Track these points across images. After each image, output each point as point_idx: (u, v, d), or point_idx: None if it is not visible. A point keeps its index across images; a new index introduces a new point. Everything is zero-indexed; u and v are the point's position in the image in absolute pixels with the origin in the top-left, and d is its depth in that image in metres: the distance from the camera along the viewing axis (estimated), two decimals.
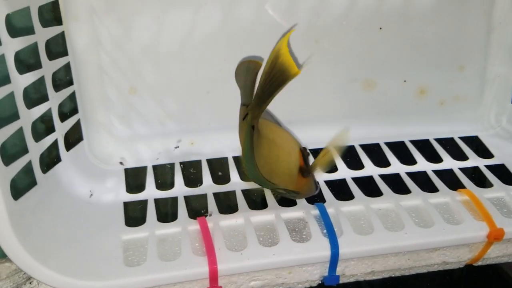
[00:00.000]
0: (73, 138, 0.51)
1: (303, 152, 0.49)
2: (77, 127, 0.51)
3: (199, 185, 0.52)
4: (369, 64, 0.56)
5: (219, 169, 0.55)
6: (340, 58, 0.55)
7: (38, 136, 0.44)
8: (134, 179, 0.53)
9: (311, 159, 0.52)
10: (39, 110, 0.45)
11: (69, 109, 0.50)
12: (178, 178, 0.52)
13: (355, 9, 0.53)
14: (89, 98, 0.52)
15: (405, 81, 0.57)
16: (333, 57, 0.55)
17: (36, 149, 0.43)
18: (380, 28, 0.54)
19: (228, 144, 0.55)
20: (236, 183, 0.52)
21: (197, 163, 0.55)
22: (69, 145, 0.49)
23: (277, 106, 0.55)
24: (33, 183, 0.42)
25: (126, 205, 0.49)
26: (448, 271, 0.50)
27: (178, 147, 0.54)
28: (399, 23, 0.55)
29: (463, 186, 0.51)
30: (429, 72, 0.57)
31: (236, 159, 0.55)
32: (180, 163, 0.54)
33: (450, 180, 0.52)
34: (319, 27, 0.54)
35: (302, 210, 0.48)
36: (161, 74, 0.52)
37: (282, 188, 0.47)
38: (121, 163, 0.53)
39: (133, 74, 0.52)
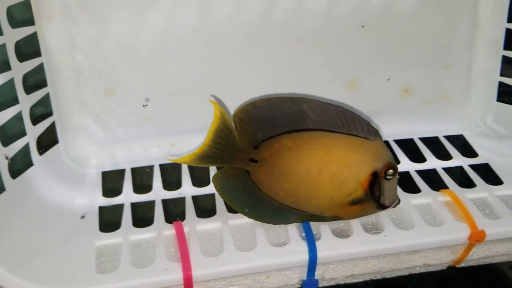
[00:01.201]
0: (48, 141, 0.50)
1: (376, 177, 0.42)
2: (51, 130, 0.50)
3: (178, 188, 0.51)
4: (352, 63, 0.55)
5: (199, 171, 0.54)
6: (322, 58, 0.54)
7: (7, 140, 0.43)
8: (111, 182, 0.52)
9: (388, 184, 0.43)
10: (9, 113, 0.43)
11: (42, 111, 0.49)
12: (157, 181, 0.51)
13: (336, 7, 0.52)
14: (64, 100, 0.50)
15: (388, 80, 0.56)
16: (314, 56, 0.54)
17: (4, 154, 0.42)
18: (363, 27, 0.53)
19: None
20: None
21: (177, 165, 0.54)
22: (43, 148, 0.48)
23: None
24: (1, 189, 0.41)
25: (102, 209, 0.48)
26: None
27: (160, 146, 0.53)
28: (382, 21, 0.53)
29: (446, 187, 0.50)
30: (413, 70, 0.56)
31: None
32: (160, 165, 0.53)
33: (433, 180, 0.51)
34: (299, 26, 0.52)
35: None
36: (139, 75, 0.51)
37: (312, 215, 0.44)
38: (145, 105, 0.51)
39: (110, 75, 0.51)
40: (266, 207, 0.44)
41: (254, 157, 0.43)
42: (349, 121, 0.43)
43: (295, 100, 0.44)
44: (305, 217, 0.44)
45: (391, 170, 0.42)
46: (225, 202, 0.48)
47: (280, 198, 0.44)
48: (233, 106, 0.54)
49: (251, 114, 0.44)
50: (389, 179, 0.43)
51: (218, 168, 0.46)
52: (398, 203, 0.45)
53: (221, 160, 0.43)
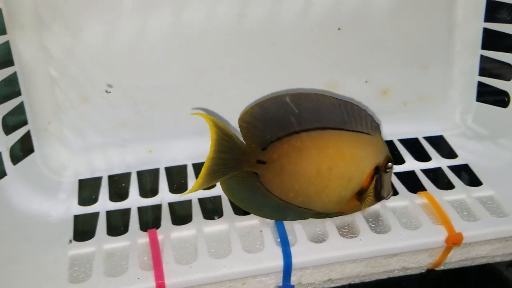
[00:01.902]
0: (23, 150, 0.49)
1: (378, 171, 0.43)
2: (27, 139, 0.50)
3: (155, 195, 0.50)
4: (329, 65, 0.54)
5: (177, 177, 0.53)
6: (299, 60, 0.54)
7: None
8: (87, 190, 0.52)
9: (386, 177, 0.44)
10: None
11: (17, 121, 0.49)
12: (133, 189, 0.51)
13: (312, 9, 0.52)
14: (39, 108, 0.50)
15: (366, 82, 0.55)
16: (292, 59, 0.53)
17: None
18: (339, 29, 0.53)
19: (187, 151, 0.54)
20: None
21: (155, 172, 0.53)
22: (17, 158, 0.48)
23: (234, 111, 0.54)
24: None
25: (77, 218, 0.48)
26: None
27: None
28: (358, 23, 0.53)
29: (424, 189, 0.50)
30: (392, 72, 0.55)
31: (195, 166, 0.54)
32: (137, 172, 0.53)
33: (412, 182, 0.51)
34: (275, 28, 0.52)
35: (258, 218, 0.47)
36: (114, 81, 0.51)
37: (318, 213, 0.44)
38: None
39: (85, 82, 0.51)
40: (274, 207, 0.44)
41: (262, 159, 0.43)
42: (356, 117, 0.43)
43: (305, 96, 0.43)
44: (312, 215, 0.45)
45: (390, 163, 0.44)
46: (202, 209, 0.48)
47: (290, 199, 0.43)
48: (211, 110, 0.54)
49: (258, 116, 0.43)
50: (388, 171, 0.44)
51: None
52: (392, 194, 0.46)
53: (229, 168, 0.42)
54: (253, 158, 0.43)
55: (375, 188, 0.44)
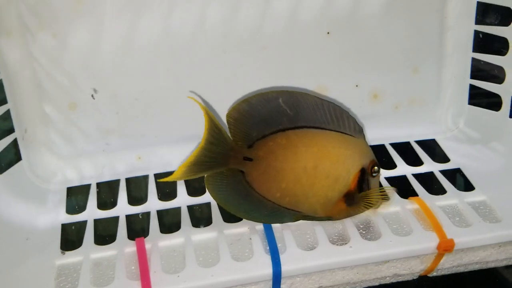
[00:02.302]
0: (9, 158, 0.49)
1: (364, 173, 0.43)
2: (13, 147, 0.49)
3: (144, 203, 0.50)
4: (319, 69, 0.54)
5: (166, 184, 0.53)
6: (289, 65, 0.53)
7: None
8: (76, 198, 0.51)
9: (373, 181, 0.44)
10: None
11: (3, 128, 0.49)
12: (122, 196, 0.50)
13: (302, 13, 0.51)
14: (27, 116, 0.50)
15: (357, 85, 0.55)
16: (281, 63, 0.53)
17: None
18: (328, 33, 0.52)
19: (176, 157, 0.54)
20: (182, 198, 0.50)
21: (144, 179, 0.53)
22: (4, 166, 0.48)
23: (224, 116, 0.53)
24: None
25: (64, 227, 0.47)
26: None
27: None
28: (347, 26, 0.53)
29: (415, 194, 0.49)
30: (382, 75, 0.55)
31: None
32: (126, 179, 0.53)
33: (403, 187, 0.50)
34: (264, 33, 0.52)
35: (247, 226, 0.46)
36: (102, 87, 0.51)
37: (305, 215, 0.44)
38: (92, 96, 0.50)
39: (72, 89, 0.50)
40: (261, 209, 0.43)
41: (249, 156, 0.43)
42: (339, 118, 0.44)
43: (291, 94, 0.43)
44: (299, 217, 0.44)
45: (376, 167, 0.44)
46: (189, 217, 0.47)
47: (276, 199, 0.43)
48: (199, 115, 0.52)
49: (245, 112, 0.43)
50: (374, 176, 0.44)
51: None
52: (381, 203, 0.45)
53: (215, 163, 0.42)
54: (240, 154, 0.43)
55: (362, 192, 0.43)
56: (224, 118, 0.53)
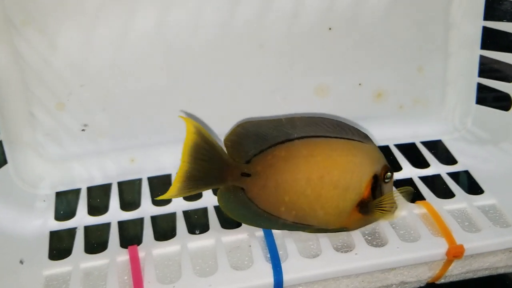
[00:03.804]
0: None
1: (377, 180, 0.41)
2: None
3: (137, 208, 0.47)
4: (321, 68, 0.52)
5: (160, 188, 0.50)
6: (288, 63, 0.51)
7: None
8: (65, 204, 0.49)
9: (387, 187, 0.42)
10: None
11: None
12: (114, 201, 0.48)
13: (302, 8, 0.49)
14: (12, 117, 0.47)
15: (360, 84, 0.53)
16: (280, 62, 0.51)
17: None
18: (330, 29, 0.50)
19: (171, 159, 0.51)
20: (178, 203, 0.48)
21: (137, 182, 0.50)
22: None
23: (221, 116, 0.51)
24: None
25: (53, 234, 0.45)
26: None
27: None
28: (350, 23, 0.50)
29: (422, 197, 0.47)
30: (386, 74, 0.53)
31: None
32: (118, 183, 0.50)
33: None
34: (263, 30, 0.49)
35: (247, 232, 0.44)
36: (92, 87, 0.48)
37: (319, 229, 0.42)
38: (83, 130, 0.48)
39: (60, 89, 0.48)
40: (272, 224, 0.41)
41: (246, 171, 0.41)
42: (342, 127, 0.42)
43: (281, 119, 0.42)
44: (313, 231, 0.42)
45: (389, 173, 0.41)
46: (186, 223, 0.45)
47: (282, 214, 0.41)
48: (193, 116, 0.51)
49: (239, 134, 0.42)
50: (387, 182, 0.41)
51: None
52: (396, 208, 0.42)
53: (211, 179, 0.41)
54: (237, 170, 0.41)
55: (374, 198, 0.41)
56: (222, 118, 0.52)
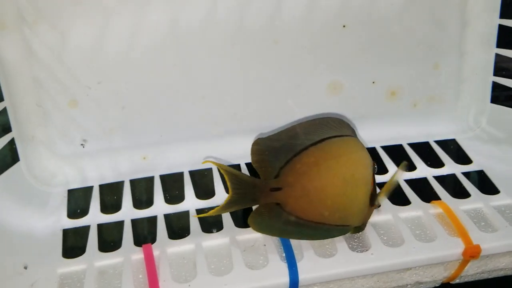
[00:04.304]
0: (6, 159, 0.46)
1: (373, 170, 0.42)
2: (11, 147, 0.46)
3: (150, 206, 0.47)
4: (334, 65, 0.51)
5: (173, 186, 0.50)
6: (302, 60, 0.50)
7: None
8: (77, 201, 0.49)
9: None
10: None
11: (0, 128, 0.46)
12: (126, 199, 0.47)
13: (316, 5, 0.49)
14: (25, 114, 0.47)
15: (374, 82, 0.52)
16: (294, 58, 0.50)
17: None
18: (344, 26, 0.50)
19: (183, 157, 0.51)
20: (190, 202, 0.47)
21: (149, 180, 0.50)
22: (1, 167, 0.45)
23: (235, 113, 0.51)
24: None
25: (66, 232, 0.44)
26: None
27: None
28: (365, 20, 0.50)
29: (438, 197, 0.47)
30: (400, 71, 0.52)
31: (192, 174, 0.50)
32: (131, 181, 0.50)
33: (424, 190, 0.48)
34: (277, 26, 0.49)
35: None
36: (104, 84, 0.48)
37: (356, 227, 0.42)
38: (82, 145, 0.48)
39: (73, 86, 0.47)
40: (313, 232, 0.41)
41: (275, 186, 0.41)
42: (341, 125, 0.44)
43: (293, 128, 0.44)
44: (352, 231, 0.42)
45: (374, 163, 0.42)
46: (200, 222, 0.45)
47: (326, 219, 0.40)
48: (206, 113, 0.50)
49: (258, 151, 0.43)
50: (375, 172, 0.42)
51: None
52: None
53: (247, 201, 0.41)
54: (265, 188, 0.41)
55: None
56: (236, 115, 0.51)
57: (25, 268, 0.40)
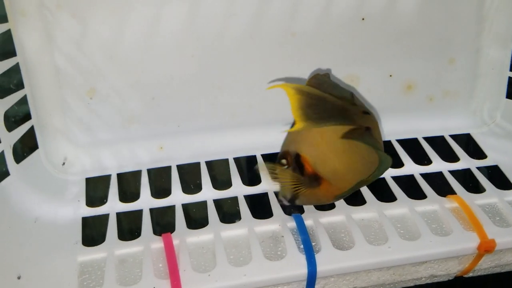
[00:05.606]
0: (26, 147, 0.46)
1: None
2: (30, 135, 0.46)
3: (168, 196, 0.47)
4: (351, 58, 0.51)
5: (190, 176, 0.50)
6: (319, 52, 0.50)
7: None
8: (96, 190, 0.49)
9: None
10: None
11: (20, 115, 0.46)
12: (145, 188, 0.48)
13: None
14: (44, 102, 0.47)
15: (390, 75, 0.52)
16: (311, 51, 0.50)
17: None
18: (363, 19, 0.50)
19: (200, 147, 0.51)
20: (208, 192, 0.48)
21: (167, 170, 0.50)
22: (21, 155, 0.45)
23: (251, 105, 0.51)
24: None
25: (85, 220, 0.45)
26: None
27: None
28: (384, 14, 0.50)
29: (453, 191, 0.47)
30: (417, 65, 0.52)
31: (208, 164, 0.51)
32: (148, 170, 0.50)
33: (440, 184, 0.48)
34: (295, 18, 0.49)
35: (278, 223, 0.44)
36: (123, 73, 0.48)
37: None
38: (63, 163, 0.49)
39: (92, 75, 0.47)
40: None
41: (366, 110, 0.44)
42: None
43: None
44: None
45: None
46: (218, 212, 0.45)
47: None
48: (223, 104, 0.51)
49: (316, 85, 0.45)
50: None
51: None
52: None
53: (342, 120, 0.42)
54: (357, 110, 0.43)
55: None
56: (251, 107, 0.51)
57: (18, 278, 0.39)
